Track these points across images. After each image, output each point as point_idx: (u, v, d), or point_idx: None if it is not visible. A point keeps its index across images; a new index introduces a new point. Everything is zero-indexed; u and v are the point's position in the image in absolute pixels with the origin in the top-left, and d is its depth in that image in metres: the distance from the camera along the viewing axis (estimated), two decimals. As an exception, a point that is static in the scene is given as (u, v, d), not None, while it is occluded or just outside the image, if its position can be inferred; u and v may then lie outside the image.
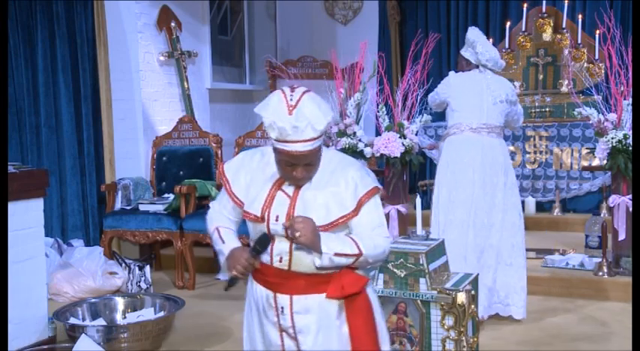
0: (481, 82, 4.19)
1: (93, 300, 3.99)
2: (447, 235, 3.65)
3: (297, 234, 1.87)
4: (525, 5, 6.97)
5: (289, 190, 2.00)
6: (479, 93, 4.14)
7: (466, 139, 4.07)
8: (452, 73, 4.39)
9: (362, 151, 5.11)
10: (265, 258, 2.01)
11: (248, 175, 2.05)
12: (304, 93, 1.90)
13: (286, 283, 2.01)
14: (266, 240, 1.97)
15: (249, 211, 2.01)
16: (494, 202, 4.01)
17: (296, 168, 1.92)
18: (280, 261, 1.99)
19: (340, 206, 1.97)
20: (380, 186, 2.03)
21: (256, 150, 2.13)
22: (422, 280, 2.81)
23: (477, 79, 4.20)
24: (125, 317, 3.87)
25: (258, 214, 1.99)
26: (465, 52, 4.37)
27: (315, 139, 1.88)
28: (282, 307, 2.03)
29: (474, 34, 4.39)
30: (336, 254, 1.93)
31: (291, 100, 1.87)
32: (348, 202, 1.97)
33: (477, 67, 4.28)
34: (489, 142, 4.05)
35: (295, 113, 1.85)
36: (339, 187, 1.97)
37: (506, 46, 7.08)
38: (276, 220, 1.96)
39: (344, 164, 2.04)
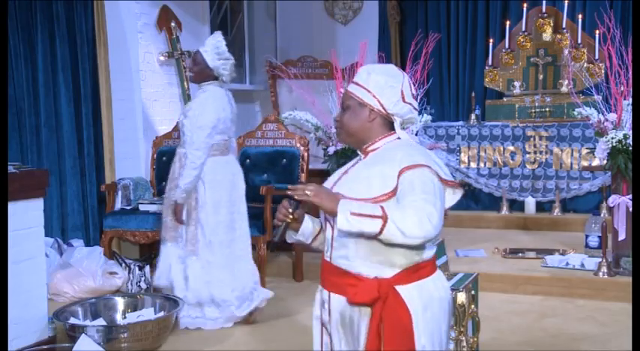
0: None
1: (93, 300, 3.99)
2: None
3: (308, 192, 1.86)
4: (525, 5, 6.97)
5: (351, 168, 2.06)
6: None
7: (229, 158, 4.16)
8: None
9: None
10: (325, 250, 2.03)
11: None
12: (393, 65, 2.10)
13: (329, 278, 2.02)
14: (298, 201, 1.98)
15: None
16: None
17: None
18: (327, 252, 2.02)
19: (383, 184, 1.90)
20: (431, 167, 1.91)
21: None
22: (422, 280, 2.81)
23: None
24: (125, 317, 3.87)
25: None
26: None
27: (360, 85, 2.01)
28: (324, 301, 2.05)
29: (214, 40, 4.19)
30: (353, 214, 1.79)
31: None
32: (391, 180, 1.90)
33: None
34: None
35: (372, 65, 2.09)
36: (387, 165, 1.93)
37: (506, 46, 7.09)
38: None
39: (406, 146, 1.99)
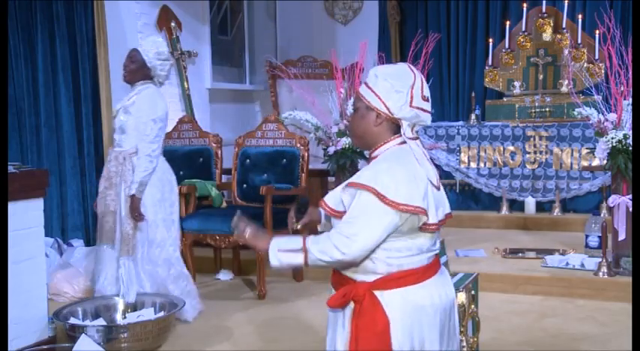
0: None
1: (93, 300, 3.99)
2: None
3: (245, 234, 2.05)
4: (525, 5, 6.97)
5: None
6: None
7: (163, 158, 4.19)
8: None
9: (362, 151, 5.11)
10: None
11: None
12: (406, 64, 2.07)
13: (333, 276, 2.08)
14: (302, 204, 2.13)
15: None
16: None
17: None
18: None
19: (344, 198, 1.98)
20: (375, 188, 1.87)
21: None
22: (422, 280, 2.81)
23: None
24: (125, 317, 3.87)
25: None
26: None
27: (369, 88, 2.00)
28: None
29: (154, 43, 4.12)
30: (280, 250, 1.96)
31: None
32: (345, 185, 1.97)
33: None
34: None
35: (382, 67, 2.07)
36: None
37: (507, 46, 7.09)
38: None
39: (384, 160, 1.98)
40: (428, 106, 2.03)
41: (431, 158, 2.13)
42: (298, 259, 1.94)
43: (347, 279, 2.00)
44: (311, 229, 2.18)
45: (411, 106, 1.97)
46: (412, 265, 1.96)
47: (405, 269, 1.95)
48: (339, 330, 2.03)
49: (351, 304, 1.98)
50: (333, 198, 2.01)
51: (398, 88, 1.96)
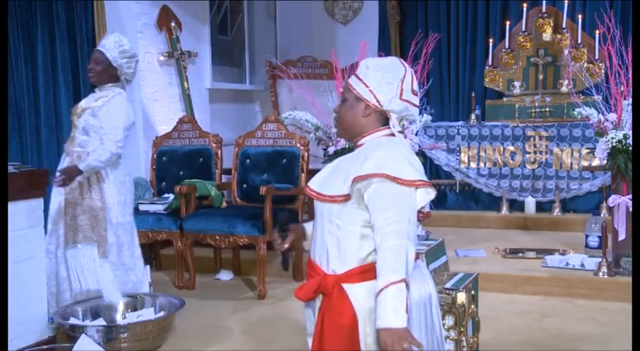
0: None
1: (93, 300, 3.99)
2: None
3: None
4: (525, 5, 6.97)
5: (340, 159, 2.11)
6: None
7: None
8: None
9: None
10: None
11: None
12: (397, 58, 2.08)
13: (307, 270, 2.12)
14: (282, 221, 2.13)
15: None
16: None
17: None
18: (312, 249, 2.09)
19: (342, 186, 1.93)
20: (392, 174, 1.86)
21: None
22: (422, 280, 2.81)
23: None
24: (125, 317, 3.87)
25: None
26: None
27: (359, 79, 2.00)
28: None
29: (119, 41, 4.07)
30: (405, 311, 1.80)
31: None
32: (347, 185, 1.92)
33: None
34: None
35: (373, 59, 2.07)
36: (352, 166, 1.94)
37: (507, 46, 7.09)
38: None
39: (380, 147, 1.96)
40: (417, 100, 2.04)
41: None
42: (404, 291, 1.82)
43: (317, 270, 2.00)
44: (295, 246, 2.22)
45: (400, 98, 1.98)
46: None
47: (375, 261, 1.91)
48: (307, 324, 2.08)
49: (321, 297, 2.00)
50: (331, 186, 1.97)
51: (389, 80, 1.97)
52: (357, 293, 1.93)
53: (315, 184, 2.04)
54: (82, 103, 4.10)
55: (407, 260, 1.84)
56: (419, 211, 1.94)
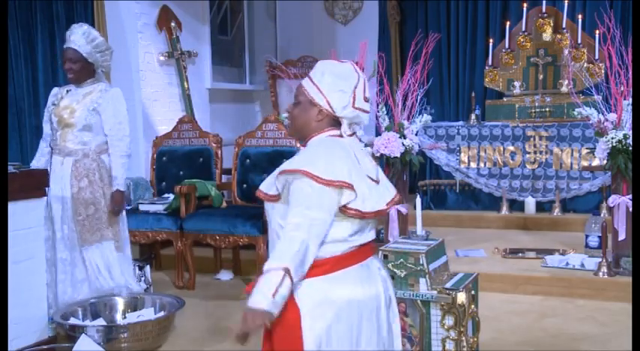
0: None
1: (93, 300, 3.99)
2: None
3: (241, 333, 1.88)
4: (525, 5, 6.97)
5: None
6: None
7: None
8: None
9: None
10: None
11: None
12: (352, 65, 2.07)
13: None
14: None
15: None
16: None
17: None
18: None
19: (276, 181, 1.98)
20: (306, 170, 1.88)
21: None
22: (422, 280, 2.82)
23: None
24: (125, 317, 3.87)
25: None
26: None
27: (314, 83, 2.02)
28: None
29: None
30: (273, 295, 1.81)
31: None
32: (275, 176, 1.98)
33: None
34: None
35: (328, 63, 2.08)
36: (290, 161, 1.99)
37: (507, 46, 7.09)
38: None
39: (312, 146, 2.03)
40: (368, 106, 2.07)
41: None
42: (287, 281, 1.81)
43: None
44: None
45: (353, 106, 2.02)
46: (323, 254, 1.93)
47: (319, 258, 1.92)
48: None
49: None
50: (267, 183, 2.02)
51: (343, 88, 2.01)
52: (302, 291, 1.93)
53: (263, 186, 2.06)
54: (67, 102, 4.03)
55: (299, 252, 1.83)
56: (348, 207, 1.93)
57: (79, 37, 3.91)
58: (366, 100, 2.05)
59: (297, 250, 1.84)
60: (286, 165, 1.96)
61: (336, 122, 2.04)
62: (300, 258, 1.84)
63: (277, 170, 1.97)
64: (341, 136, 2.04)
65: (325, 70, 2.03)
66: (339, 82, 2.00)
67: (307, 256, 1.86)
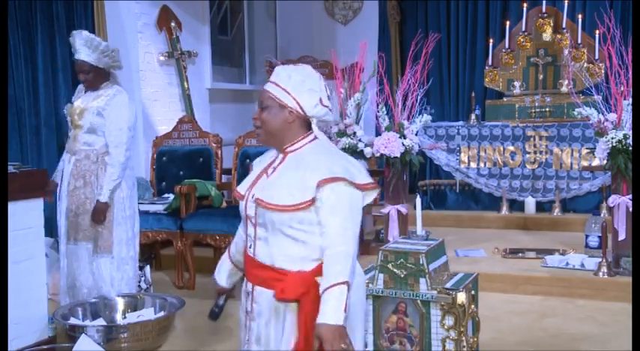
0: None
1: (93, 300, 3.99)
2: None
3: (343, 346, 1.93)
4: (525, 5, 6.97)
5: (272, 171, 2.10)
6: None
7: None
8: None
9: (362, 151, 5.12)
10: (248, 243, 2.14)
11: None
12: (309, 66, 2.16)
13: (252, 271, 2.12)
14: (215, 313, 2.44)
15: (237, 189, 2.20)
16: None
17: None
18: (250, 247, 2.11)
19: (304, 192, 1.97)
20: (347, 178, 1.96)
21: None
22: (422, 280, 2.82)
23: None
24: (125, 317, 3.87)
25: (242, 193, 2.15)
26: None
27: (279, 87, 2.06)
28: (248, 293, 2.16)
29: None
30: (344, 311, 1.91)
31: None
32: (310, 190, 1.96)
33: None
34: None
35: (290, 67, 2.14)
36: (308, 173, 1.98)
37: (507, 46, 7.09)
38: (253, 198, 2.08)
39: (325, 152, 2.06)
40: (331, 105, 2.15)
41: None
42: (345, 293, 1.92)
43: (281, 272, 2.01)
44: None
45: (322, 104, 2.07)
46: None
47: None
48: (273, 321, 2.06)
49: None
50: (284, 194, 1.99)
51: (312, 87, 2.07)
52: None
53: (265, 195, 2.04)
54: (79, 103, 4.09)
55: (352, 266, 1.97)
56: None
57: (81, 48, 3.95)
58: (329, 98, 2.12)
59: (352, 264, 1.97)
60: (322, 174, 1.96)
61: (306, 124, 2.09)
62: (352, 270, 1.97)
63: (310, 180, 1.96)
64: (316, 137, 2.09)
65: (290, 73, 2.09)
66: (307, 81, 2.07)
67: (354, 265, 2.01)
